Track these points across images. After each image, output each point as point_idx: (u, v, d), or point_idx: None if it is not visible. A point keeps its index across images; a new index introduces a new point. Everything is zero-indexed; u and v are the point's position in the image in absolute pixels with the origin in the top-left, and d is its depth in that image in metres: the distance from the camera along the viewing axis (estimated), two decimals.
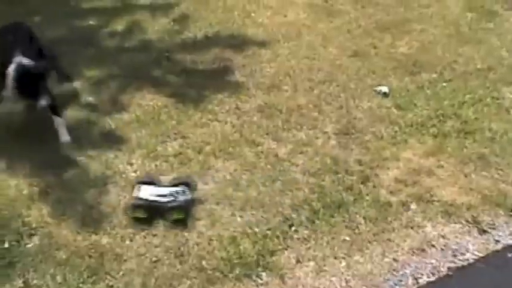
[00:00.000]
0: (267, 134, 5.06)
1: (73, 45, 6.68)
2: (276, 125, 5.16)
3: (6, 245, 4.06)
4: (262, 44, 6.49)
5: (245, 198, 4.38)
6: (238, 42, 6.53)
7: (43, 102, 4.81)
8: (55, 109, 5.06)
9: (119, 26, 7.10)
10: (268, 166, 4.69)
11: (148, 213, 4.21)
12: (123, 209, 4.32)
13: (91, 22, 7.28)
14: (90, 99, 5.66)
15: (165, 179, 4.53)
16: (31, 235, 4.15)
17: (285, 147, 4.92)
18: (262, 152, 4.85)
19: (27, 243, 4.08)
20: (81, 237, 4.11)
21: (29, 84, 4.79)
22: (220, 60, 6.20)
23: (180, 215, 4.22)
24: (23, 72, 4.79)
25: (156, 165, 4.71)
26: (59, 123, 5.06)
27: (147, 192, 4.30)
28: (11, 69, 4.78)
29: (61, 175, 4.69)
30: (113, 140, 5.09)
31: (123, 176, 4.64)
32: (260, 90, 5.65)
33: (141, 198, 4.28)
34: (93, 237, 4.11)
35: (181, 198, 4.29)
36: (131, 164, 4.77)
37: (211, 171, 4.67)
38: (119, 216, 4.27)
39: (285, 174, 4.62)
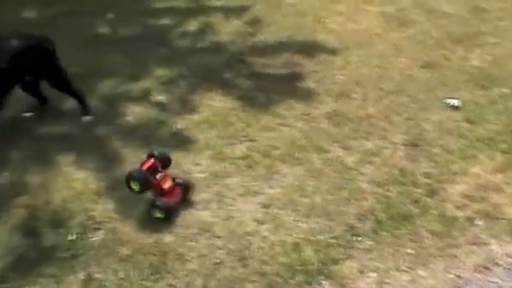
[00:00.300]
0: (335, 141, 5.03)
1: (145, 44, 6.82)
2: (345, 133, 5.13)
3: (71, 237, 4.11)
4: (333, 51, 6.49)
5: (310, 204, 4.34)
6: (310, 48, 6.54)
7: None
8: None
9: (192, 26, 7.19)
10: (335, 174, 4.65)
11: (166, 214, 4.21)
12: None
13: (164, 21, 7.41)
14: (160, 98, 5.74)
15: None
16: (96, 229, 4.19)
17: (353, 155, 4.87)
18: (329, 159, 4.82)
19: (92, 237, 4.13)
20: (145, 235, 4.13)
21: None
22: (291, 65, 6.22)
23: (160, 213, 4.21)
24: None
25: (223, 167, 4.72)
26: None
27: None
28: None
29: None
30: (181, 139, 5.13)
31: (190, 175, 4.65)
32: (330, 97, 5.63)
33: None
34: (157, 235, 4.12)
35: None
36: (198, 164, 4.79)
37: (277, 175, 4.65)
38: (183, 215, 4.29)
39: (351, 183, 4.57)
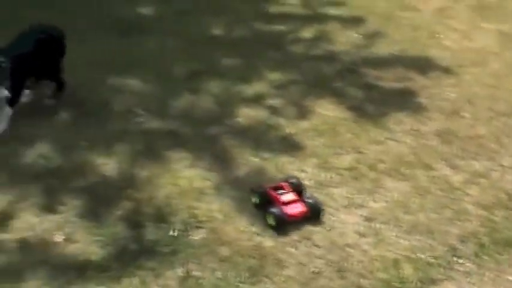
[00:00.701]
0: (442, 159, 5.01)
1: (258, 47, 6.94)
2: (453, 151, 5.11)
3: (173, 234, 4.20)
4: (447, 68, 6.45)
5: (413, 222, 4.34)
6: (422, 63, 6.53)
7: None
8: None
9: (307, 33, 7.28)
10: (440, 193, 4.64)
11: (277, 222, 4.25)
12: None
13: (279, 26, 7.52)
14: (271, 102, 5.84)
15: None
16: (197, 227, 4.27)
17: (460, 175, 4.84)
18: (435, 177, 4.81)
19: (193, 235, 4.20)
20: (245, 237, 4.19)
21: None
22: (403, 79, 6.22)
23: (273, 221, 4.26)
24: None
25: (329, 177, 4.77)
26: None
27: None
28: None
29: (234, 173, 4.84)
30: (288, 144, 5.21)
31: None
32: (440, 114, 5.61)
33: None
34: (258, 238, 4.18)
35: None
36: (304, 171, 4.84)
37: (382, 189, 4.67)
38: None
39: (456, 203, 4.55)
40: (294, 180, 4.54)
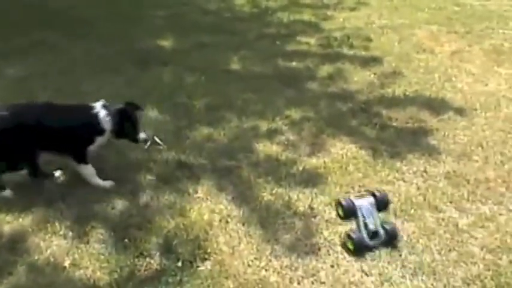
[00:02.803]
0: (450, 202, 5.04)
1: (275, 83, 7.08)
2: (461, 194, 5.13)
3: (180, 264, 4.29)
4: (459, 110, 6.51)
5: (418, 262, 4.37)
6: (435, 105, 6.59)
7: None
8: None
9: (322, 71, 7.41)
10: (447, 235, 4.67)
11: (355, 248, 4.39)
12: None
13: (296, 64, 7.64)
14: (283, 137, 5.94)
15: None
16: (204, 259, 4.35)
17: (467, 218, 4.87)
18: (443, 219, 4.84)
19: (199, 266, 4.29)
20: (251, 270, 4.26)
21: None
22: (415, 121, 6.28)
23: (351, 245, 4.40)
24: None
25: (337, 215, 4.83)
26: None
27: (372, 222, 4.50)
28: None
29: (243, 208, 4.92)
30: (298, 180, 5.28)
31: (303, 218, 4.79)
32: (450, 157, 5.65)
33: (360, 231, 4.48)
34: (263, 272, 4.24)
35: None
36: (312, 209, 4.92)
37: None
38: (290, 257, 4.40)
39: (462, 245, 4.57)
40: (377, 193, 4.69)
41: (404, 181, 5.29)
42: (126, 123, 5.08)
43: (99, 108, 4.99)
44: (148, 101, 6.47)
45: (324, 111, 6.45)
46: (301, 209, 4.91)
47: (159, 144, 5.66)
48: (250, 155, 5.64)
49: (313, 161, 5.56)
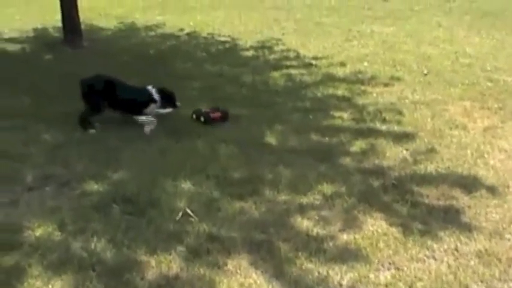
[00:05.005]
0: (481, 281, 5.00)
1: (307, 158, 7.14)
2: (493, 274, 5.08)
3: None
4: (491, 188, 6.48)
5: None
6: (467, 182, 6.58)
7: None
8: None
9: (355, 147, 7.47)
10: None
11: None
12: None
13: (329, 139, 7.72)
14: (314, 213, 5.96)
15: None
16: None
17: None
18: None
19: None
20: None
21: None
22: (446, 198, 6.27)
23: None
24: None
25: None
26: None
27: None
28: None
29: (272, 282, 4.96)
30: (328, 257, 5.26)
31: None
32: (482, 235, 5.62)
33: None
34: None
35: None
36: (341, 285, 4.93)
37: None
38: None
39: None
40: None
41: (434, 259, 5.27)
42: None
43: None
44: (181, 172, 6.60)
45: (356, 186, 6.48)
46: (331, 285, 4.92)
47: (190, 215, 5.76)
48: (281, 229, 5.67)
49: (344, 236, 5.58)
